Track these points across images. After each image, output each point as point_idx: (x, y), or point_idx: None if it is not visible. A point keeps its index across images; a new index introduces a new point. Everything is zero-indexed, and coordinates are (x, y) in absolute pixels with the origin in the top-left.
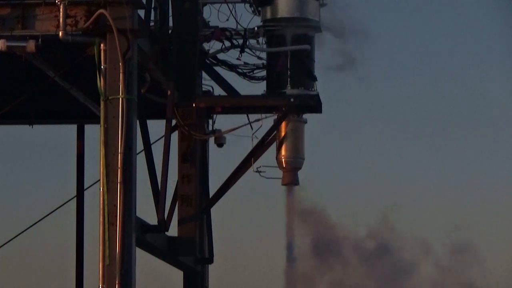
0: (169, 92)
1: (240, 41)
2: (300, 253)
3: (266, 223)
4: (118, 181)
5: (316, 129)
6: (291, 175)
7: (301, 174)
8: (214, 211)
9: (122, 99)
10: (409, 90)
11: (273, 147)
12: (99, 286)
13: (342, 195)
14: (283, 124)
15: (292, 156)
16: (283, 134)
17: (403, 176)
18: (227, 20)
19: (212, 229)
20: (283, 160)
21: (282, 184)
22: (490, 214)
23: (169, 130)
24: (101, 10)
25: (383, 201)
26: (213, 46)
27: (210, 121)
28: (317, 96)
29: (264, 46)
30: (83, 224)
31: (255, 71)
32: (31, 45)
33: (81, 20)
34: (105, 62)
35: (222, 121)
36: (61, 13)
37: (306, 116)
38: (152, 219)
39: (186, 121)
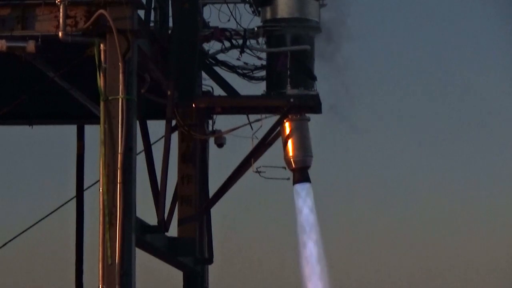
0: (169, 92)
1: (240, 42)
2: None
3: (266, 223)
4: (118, 181)
5: (316, 129)
6: (302, 173)
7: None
8: (214, 211)
9: (122, 99)
10: (409, 90)
11: (273, 147)
12: (99, 286)
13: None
14: (288, 124)
15: (300, 155)
16: (287, 134)
17: (403, 176)
18: (228, 21)
19: (212, 229)
20: (291, 160)
21: (294, 184)
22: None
23: (169, 130)
24: (101, 11)
25: (383, 201)
26: (213, 46)
27: (210, 121)
28: (317, 96)
29: (264, 46)
30: (83, 224)
31: (254, 72)
32: (31, 46)
33: (81, 20)
34: (105, 63)
35: (222, 121)
36: (61, 14)
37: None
38: (152, 219)
39: (186, 121)
